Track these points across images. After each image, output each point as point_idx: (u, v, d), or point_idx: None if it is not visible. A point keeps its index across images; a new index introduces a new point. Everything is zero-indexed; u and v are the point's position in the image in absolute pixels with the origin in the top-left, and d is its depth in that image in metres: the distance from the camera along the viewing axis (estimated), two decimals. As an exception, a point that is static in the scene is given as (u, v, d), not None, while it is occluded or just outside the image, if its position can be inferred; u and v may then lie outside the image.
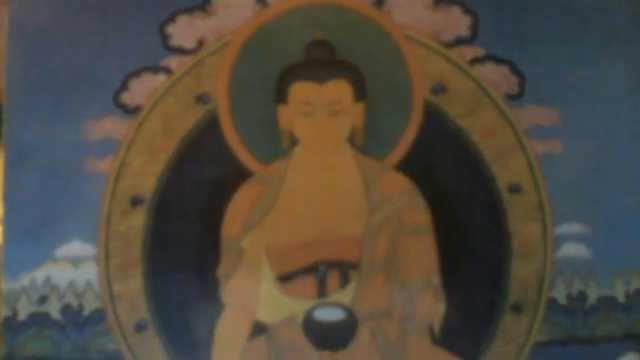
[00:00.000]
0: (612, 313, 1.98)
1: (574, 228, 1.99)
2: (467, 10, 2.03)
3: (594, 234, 1.99)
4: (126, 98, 1.98)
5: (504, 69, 2.02)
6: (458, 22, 2.03)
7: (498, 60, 2.02)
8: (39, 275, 1.91)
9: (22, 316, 1.90)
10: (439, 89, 2.01)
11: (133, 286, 1.91)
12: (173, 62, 1.99)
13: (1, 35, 2.04)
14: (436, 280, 1.93)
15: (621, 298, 1.99)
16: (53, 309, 1.91)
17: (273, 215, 1.94)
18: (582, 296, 1.98)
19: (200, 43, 2.00)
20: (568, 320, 1.96)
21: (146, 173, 1.96)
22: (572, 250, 1.98)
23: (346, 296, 1.90)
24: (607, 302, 1.98)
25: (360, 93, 1.97)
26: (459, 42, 2.03)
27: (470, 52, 2.02)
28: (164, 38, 2.00)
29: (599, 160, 2.02)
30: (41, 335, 1.90)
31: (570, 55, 2.05)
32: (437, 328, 1.91)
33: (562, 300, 1.96)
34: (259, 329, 1.90)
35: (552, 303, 1.96)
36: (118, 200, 1.94)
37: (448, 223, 1.95)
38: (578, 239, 1.98)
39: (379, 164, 1.97)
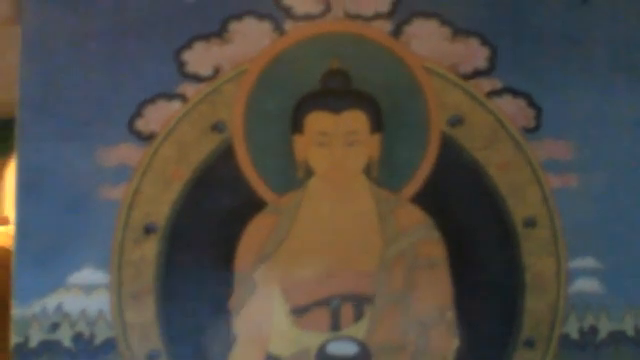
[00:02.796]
0: (622, 347, 1.98)
1: (588, 263, 1.98)
2: (485, 42, 2.01)
3: (607, 269, 1.98)
4: (141, 125, 1.96)
5: (521, 102, 2.01)
6: (476, 54, 2.01)
7: (515, 93, 2.00)
8: (50, 302, 1.90)
9: (33, 343, 1.89)
10: (456, 121, 1.99)
11: (145, 315, 1.90)
12: (189, 89, 1.97)
13: (13, 54, 2.02)
14: (450, 314, 1.92)
15: (630, 332, 1.99)
16: (65, 337, 1.89)
17: (287, 247, 1.92)
18: (593, 330, 1.97)
19: (216, 70, 1.98)
20: (579, 355, 1.96)
21: (160, 201, 1.94)
22: (585, 285, 1.97)
23: (360, 330, 1.89)
24: (617, 336, 1.98)
25: (376, 124, 1.96)
26: (477, 74, 2.00)
27: (488, 84, 2.00)
28: (180, 64, 1.97)
29: (614, 195, 2.01)
30: (52, 363, 1.89)
31: (587, 88, 2.02)
32: (450, 363, 1.92)
33: (574, 335, 1.96)
34: (272, 362, 1.90)
35: (564, 338, 1.95)
36: (131, 228, 1.93)
37: (462, 256, 1.94)
38: (591, 274, 1.98)
39: (394, 196, 1.96)
